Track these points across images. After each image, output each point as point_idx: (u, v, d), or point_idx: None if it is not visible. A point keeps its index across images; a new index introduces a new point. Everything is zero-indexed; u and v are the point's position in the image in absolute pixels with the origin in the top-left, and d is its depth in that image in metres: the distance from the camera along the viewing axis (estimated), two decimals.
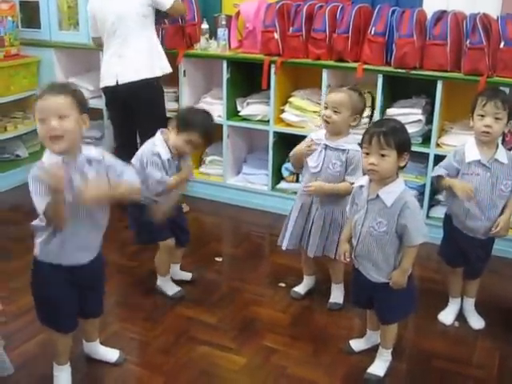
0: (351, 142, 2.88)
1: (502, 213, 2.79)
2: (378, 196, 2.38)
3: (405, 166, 2.40)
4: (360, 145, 2.49)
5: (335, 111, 2.83)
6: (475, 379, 2.64)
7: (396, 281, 2.43)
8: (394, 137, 2.31)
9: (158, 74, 3.96)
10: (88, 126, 2.21)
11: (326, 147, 2.90)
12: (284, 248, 3.09)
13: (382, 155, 2.31)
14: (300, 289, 3.23)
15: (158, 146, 2.92)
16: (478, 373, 2.68)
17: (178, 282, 3.26)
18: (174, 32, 4.39)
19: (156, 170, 2.87)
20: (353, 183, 2.70)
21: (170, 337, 2.86)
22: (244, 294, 3.25)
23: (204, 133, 2.91)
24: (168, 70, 4.03)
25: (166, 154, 2.91)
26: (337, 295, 3.14)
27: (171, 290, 3.19)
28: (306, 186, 2.95)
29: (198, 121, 2.94)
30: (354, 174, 2.85)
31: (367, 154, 2.35)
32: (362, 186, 2.47)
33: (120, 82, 3.89)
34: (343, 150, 2.86)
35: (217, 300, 3.19)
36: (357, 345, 2.78)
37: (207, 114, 3.08)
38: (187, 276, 3.34)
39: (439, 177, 2.82)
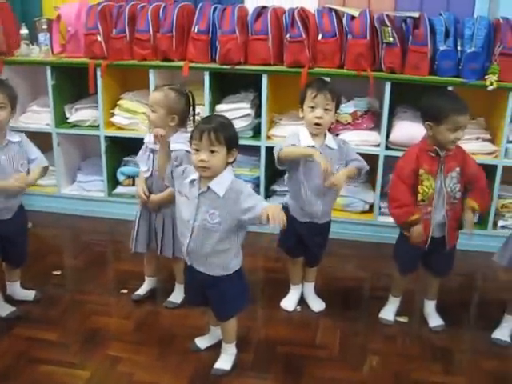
0: (179, 141, 2.83)
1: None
2: (209, 188, 2.37)
3: (233, 161, 2.41)
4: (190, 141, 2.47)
5: (152, 110, 2.84)
6: (319, 359, 2.72)
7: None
8: (223, 133, 2.31)
9: None
10: None
11: (153, 151, 2.87)
12: (138, 251, 3.04)
13: (212, 151, 2.31)
14: (140, 291, 3.18)
15: None
16: (322, 352, 2.77)
17: (20, 302, 3.08)
18: None
19: None
20: None
21: (9, 360, 2.68)
22: (86, 305, 3.14)
23: None
24: None
25: None
26: (176, 295, 3.12)
27: (4, 310, 3.00)
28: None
29: None
30: None
31: (197, 150, 2.33)
32: (193, 180, 2.44)
33: None
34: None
35: (57, 315, 3.04)
36: (202, 342, 2.78)
37: None
38: (29, 295, 3.16)
39: (282, 150, 2.81)
